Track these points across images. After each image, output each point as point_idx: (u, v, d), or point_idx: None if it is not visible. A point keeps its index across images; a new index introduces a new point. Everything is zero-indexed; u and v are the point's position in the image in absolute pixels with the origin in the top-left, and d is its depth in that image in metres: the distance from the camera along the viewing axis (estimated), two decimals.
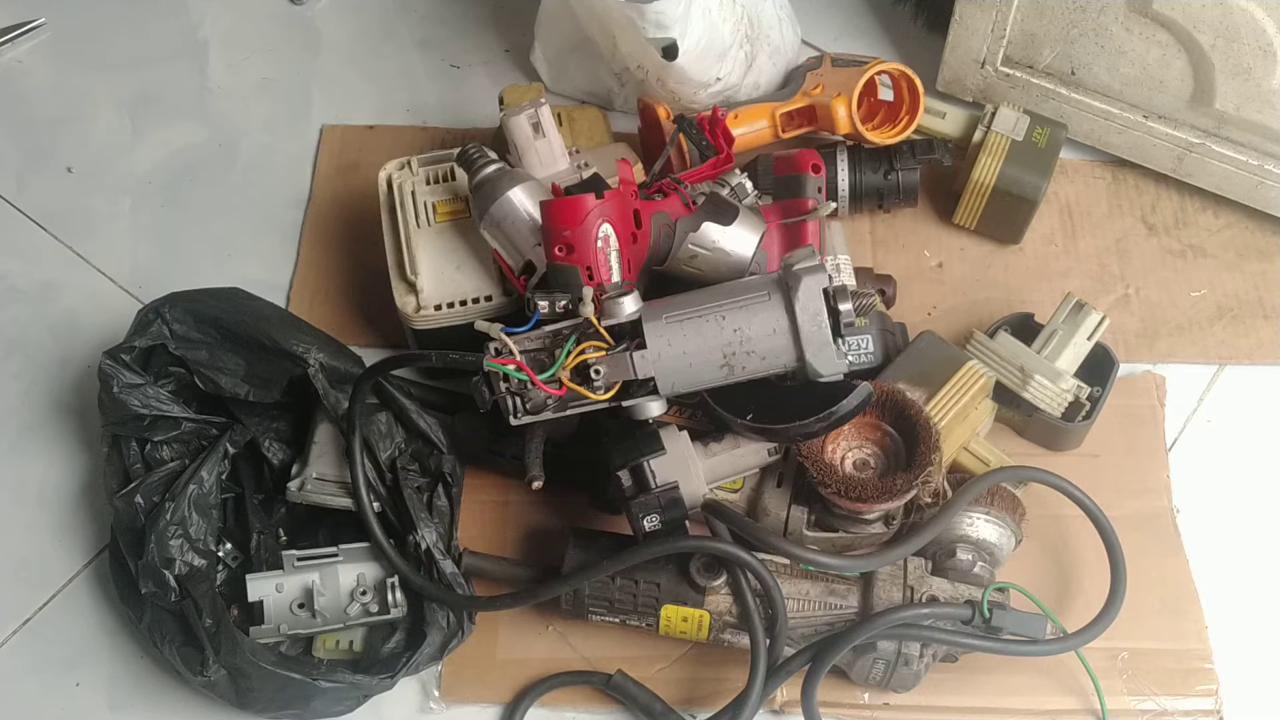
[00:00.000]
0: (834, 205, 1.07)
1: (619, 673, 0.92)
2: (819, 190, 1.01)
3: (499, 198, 0.92)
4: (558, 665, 0.94)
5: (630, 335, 0.83)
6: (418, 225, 1.01)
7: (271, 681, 0.87)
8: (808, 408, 0.83)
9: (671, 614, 0.88)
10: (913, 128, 1.10)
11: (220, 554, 0.95)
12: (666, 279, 0.96)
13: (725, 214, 0.93)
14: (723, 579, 0.87)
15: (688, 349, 0.82)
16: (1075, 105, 1.15)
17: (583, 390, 0.82)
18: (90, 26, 1.32)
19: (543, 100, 1.01)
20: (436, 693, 0.94)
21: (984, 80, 1.18)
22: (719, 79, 1.12)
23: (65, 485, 1.04)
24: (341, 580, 0.91)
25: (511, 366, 0.81)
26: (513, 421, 0.83)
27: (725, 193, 0.97)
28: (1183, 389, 1.06)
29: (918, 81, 1.09)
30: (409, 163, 1.05)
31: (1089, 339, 0.99)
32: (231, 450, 0.97)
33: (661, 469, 0.86)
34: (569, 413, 0.84)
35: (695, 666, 0.94)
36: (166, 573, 0.90)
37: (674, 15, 1.02)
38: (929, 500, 0.89)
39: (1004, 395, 0.99)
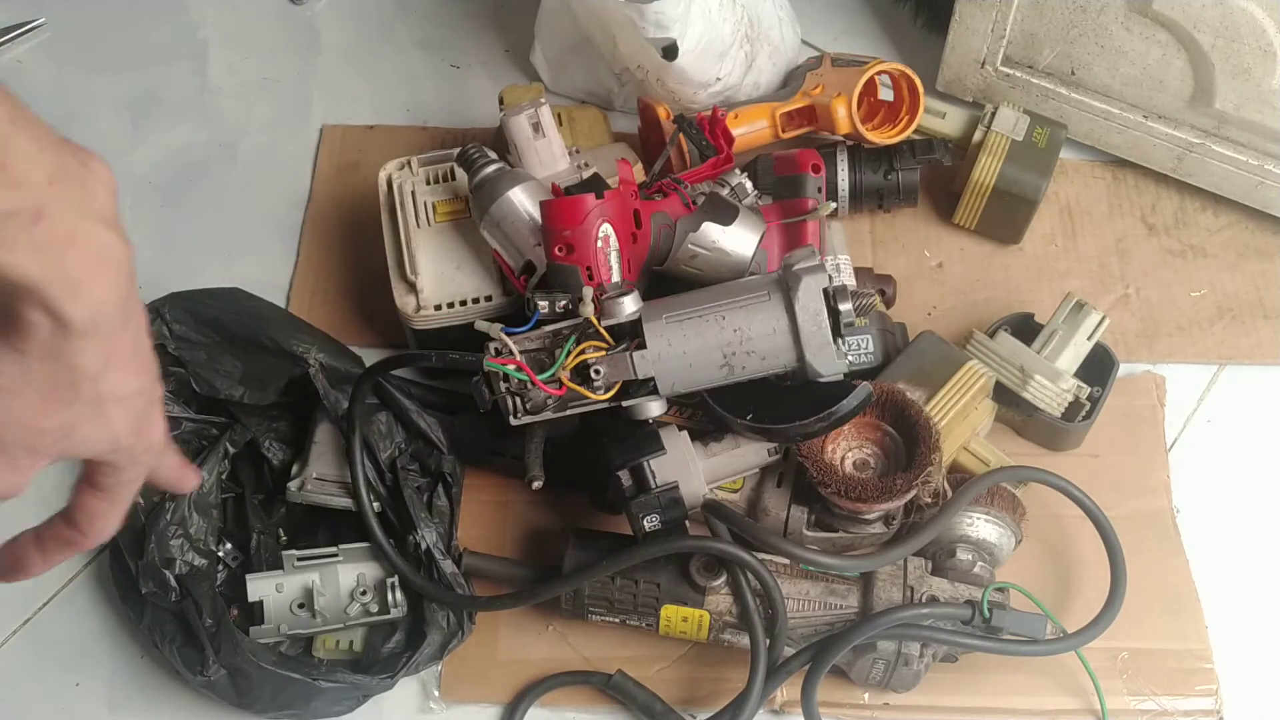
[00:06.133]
0: (834, 205, 1.07)
1: (619, 673, 0.92)
2: (819, 190, 1.01)
3: (499, 198, 0.92)
4: (558, 665, 0.94)
5: (630, 335, 0.83)
6: (418, 225, 1.01)
7: (271, 681, 0.87)
8: (808, 408, 0.83)
9: (671, 614, 0.88)
10: (913, 128, 1.10)
11: (220, 554, 0.95)
12: (666, 279, 0.96)
13: (725, 214, 0.93)
14: (723, 579, 0.87)
15: (688, 349, 0.82)
16: (1075, 105, 1.15)
17: (583, 390, 0.82)
18: (90, 27, 1.32)
19: (543, 100, 1.01)
20: (436, 693, 0.94)
21: (984, 80, 1.18)
22: (719, 79, 1.12)
23: (65, 485, 1.04)
24: (341, 580, 0.91)
25: (511, 366, 0.81)
26: (513, 421, 0.83)
27: (725, 193, 0.97)
28: (1183, 389, 1.06)
29: (918, 81, 1.09)
30: (409, 163, 1.05)
31: (1089, 339, 0.99)
32: (231, 450, 0.97)
33: (661, 469, 0.86)
34: (569, 413, 0.84)
35: (695, 666, 0.94)
36: (167, 572, 0.90)
37: (674, 15, 1.02)
38: (929, 500, 0.89)
39: (1004, 395, 0.99)
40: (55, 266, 0.47)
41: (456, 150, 0.99)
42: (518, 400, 0.83)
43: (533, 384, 0.82)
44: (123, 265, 0.50)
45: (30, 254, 0.46)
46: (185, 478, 0.64)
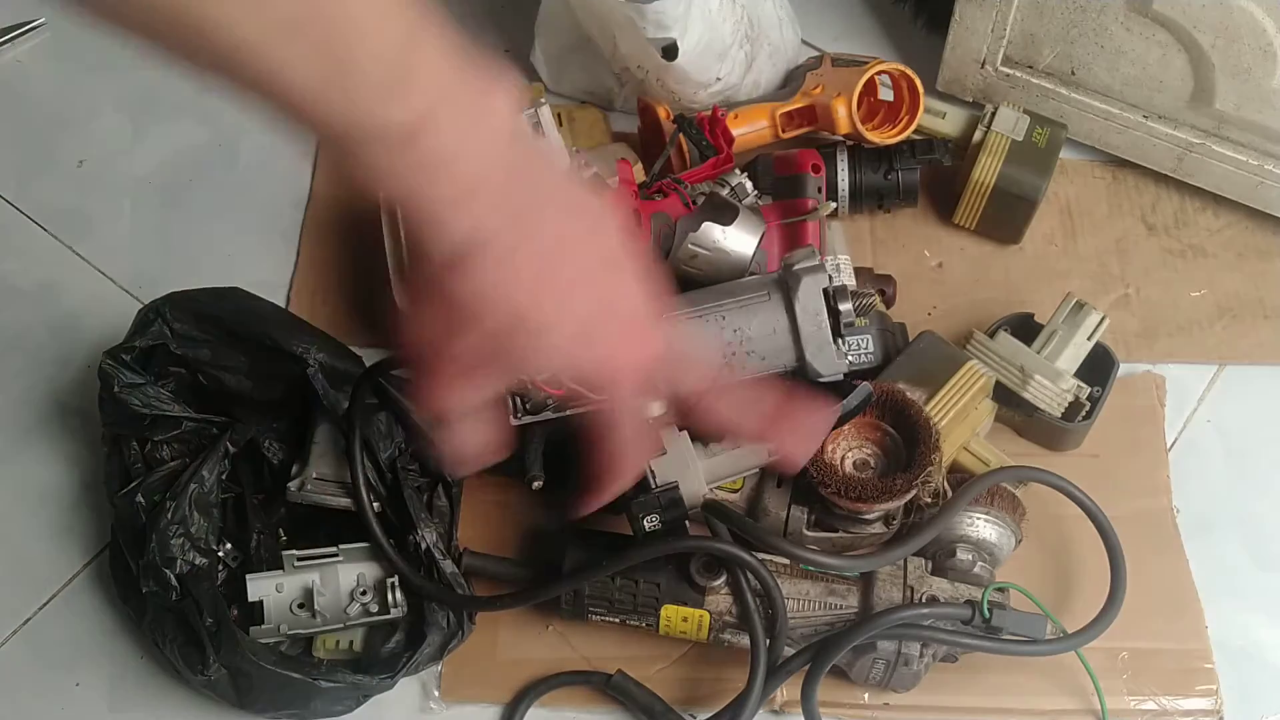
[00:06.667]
0: (834, 205, 1.07)
1: (619, 673, 0.92)
2: (819, 190, 1.01)
3: None
4: (558, 665, 0.94)
5: None
6: None
7: (271, 681, 0.87)
8: None
9: (671, 614, 0.88)
10: (913, 128, 1.10)
11: (220, 554, 0.95)
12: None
13: (725, 214, 0.93)
14: (723, 579, 0.87)
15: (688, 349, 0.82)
16: (1075, 105, 1.15)
17: (583, 390, 0.82)
18: (90, 27, 1.32)
19: (543, 100, 1.01)
20: (436, 693, 0.94)
21: (984, 80, 1.18)
22: (719, 79, 1.12)
23: (65, 485, 1.04)
24: (341, 580, 0.91)
25: None
26: (513, 421, 0.83)
27: (725, 193, 0.97)
28: (1183, 389, 1.06)
29: (918, 81, 1.09)
30: None
31: (1089, 339, 0.99)
32: (232, 450, 0.97)
33: (661, 469, 0.86)
34: (569, 413, 0.84)
35: (695, 666, 0.94)
36: (168, 571, 0.90)
37: (674, 15, 1.02)
38: (929, 500, 0.89)
39: (1004, 395, 0.99)
40: (428, 187, 0.46)
41: None
42: (518, 400, 0.83)
43: (533, 384, 0.82)
44: (509, 190, 0.48)
45: (406, 172, 0.45)
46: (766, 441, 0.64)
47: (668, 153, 1.04)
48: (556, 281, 0.49)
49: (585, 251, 0.51)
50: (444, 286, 0.48)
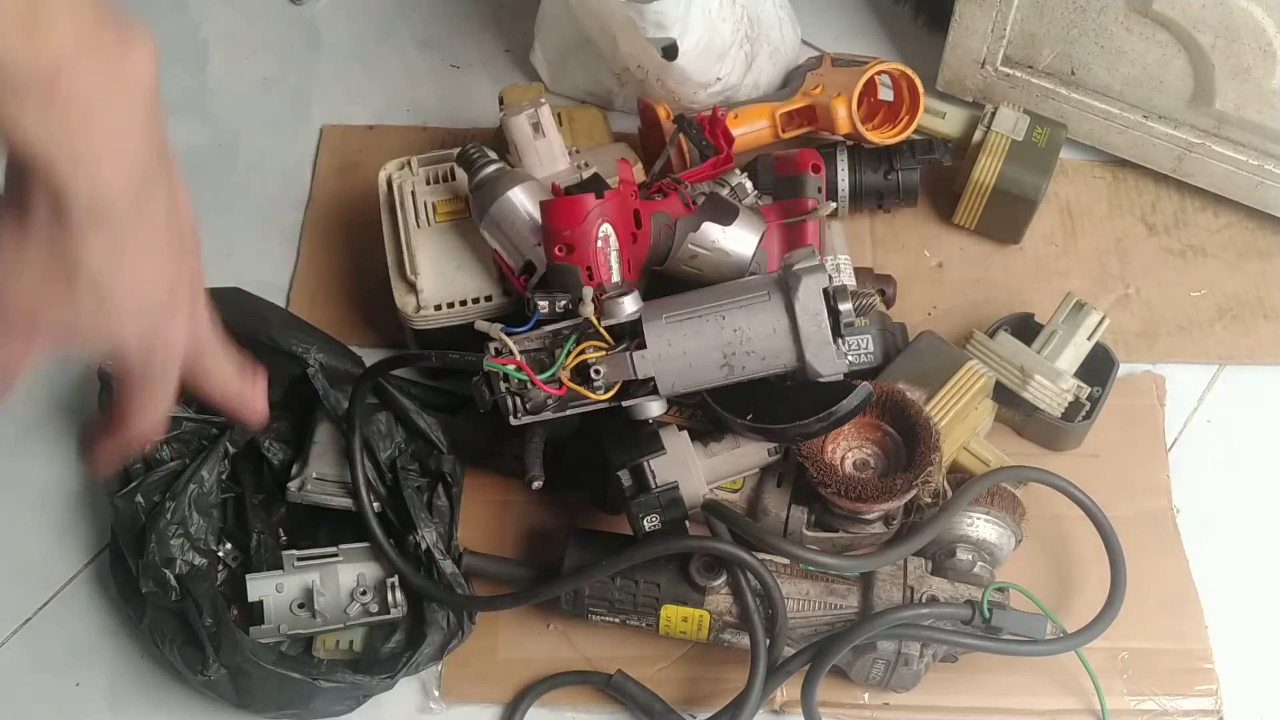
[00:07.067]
0: (834, 205, 1.06)
1: (619, 673, 0.92)
2: (819, 190, 1.01)
3: (499, 198, 0.92)
4: (558, 665, 0.94)
5: (630, 335, 0.83)
6: (418, 225, 1.01)
7: (271, 681, 0.87)
8: (808, 408, 0.83)
9: (671, 614, 0.88)
10: (913, 128, 1.10)
11: (220, 554, 0.95)
12: (666, 279, 0.96)
13: (725, 214, 0.93)
14: (723, 579, 0.87)
15: (688, 349, 0.82)
16: (1075, 105, 1.15)
17: (583, 390, 0.82)
18: None
19: (543, 100, 1.01)
20: (436, 693, 0.94)
21: (984, 80, 1.18)
22: (719, 79, 1.12)
23: (65, 485, 1.04)
24: (341, 580, 0.91)
25: (511, 366, 0.81)
26: (513, 421, 0.83)
27: (725, 193, 0.97)
28: (1183, 389, 1.06)
29: (918, 81, 1.09)
30: (409, 163, 1.05)
31: (1089, 339, 0.99)
32: (231, 450, 0.97)
33: (661, 469, 0.86)
34: (569, 413, 0.84)
35: (695, 666, 0.94)
36: (167, 572, 0.90)
37: (674, 15, 1.02)
38: (929, 500, 0.89)
39: (1004, 395, 0.99)
40: (65, 140, 0.43)
41: (456, 150, 0.99)
42: (518, 400, 0.83)
43: (533, 384, 0.82)
44: (141, 152, 0.46)
45: (39, 123, 0.42)
46: (246, 402, 0.61)
47: (667, 153, 1.05)
48: (154, 262, 0.49)
49: (169, 236, 0.50)
50: (46, 254, 0.45)
